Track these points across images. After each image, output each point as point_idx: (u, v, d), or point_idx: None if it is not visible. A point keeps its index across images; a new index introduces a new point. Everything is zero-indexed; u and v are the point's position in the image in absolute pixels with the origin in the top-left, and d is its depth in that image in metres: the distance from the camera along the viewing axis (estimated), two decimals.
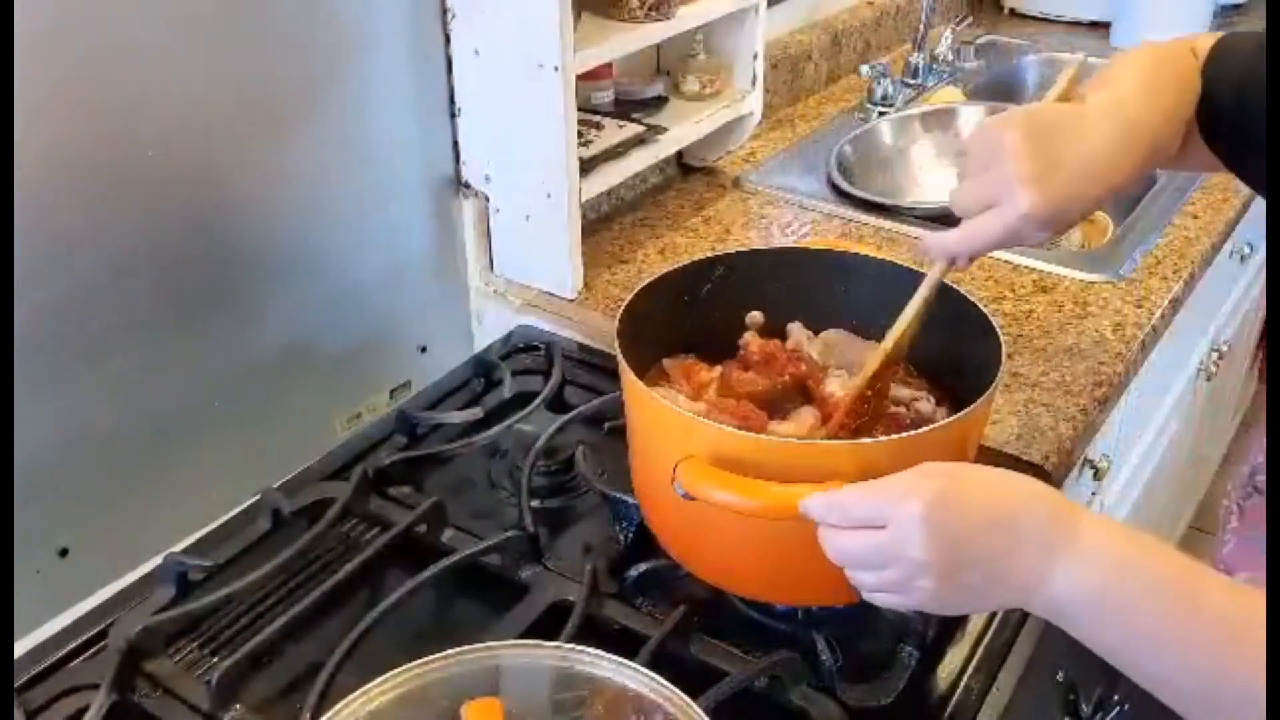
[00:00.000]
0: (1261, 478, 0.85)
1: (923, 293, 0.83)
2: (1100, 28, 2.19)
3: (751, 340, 0.95)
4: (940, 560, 0.63)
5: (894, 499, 0.65)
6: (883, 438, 0.82)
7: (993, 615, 0.86)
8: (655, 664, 0.71)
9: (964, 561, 0.64)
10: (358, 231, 1.18)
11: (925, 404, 0.87)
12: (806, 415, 0.87)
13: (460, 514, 0.97)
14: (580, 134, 1.28)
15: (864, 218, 1.46)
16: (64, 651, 0.84)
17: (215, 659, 0.84)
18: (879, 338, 0.87)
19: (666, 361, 0.95)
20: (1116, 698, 0.80)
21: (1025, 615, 0.85)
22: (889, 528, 0.65)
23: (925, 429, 0.81)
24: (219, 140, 1.01)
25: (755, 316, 0.97)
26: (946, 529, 0.63)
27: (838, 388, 0.89)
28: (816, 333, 0.97)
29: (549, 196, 1.22)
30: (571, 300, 1.28)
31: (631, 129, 1.35)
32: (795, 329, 0.97)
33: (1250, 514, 0.86)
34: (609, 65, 1.37)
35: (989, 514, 0.64)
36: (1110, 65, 0.83)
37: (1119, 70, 0.81)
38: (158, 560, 0.91)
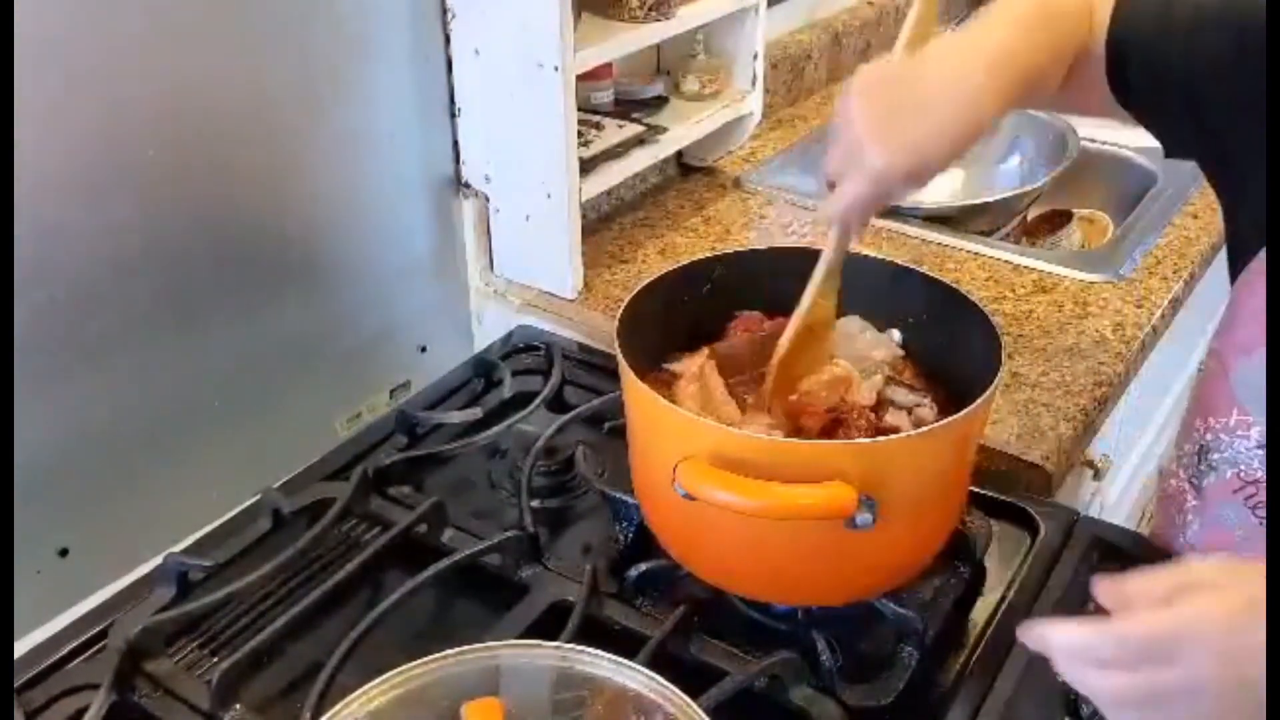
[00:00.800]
0: (1217, 455, 0.85)
1: (824, 258, 0.83)
2: None
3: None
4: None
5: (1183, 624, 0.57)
6: (882, 438, 0.82)
7: (992, 615, 0.87)
8: (655, 664, 0.71)
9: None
10: (358, 231, 1.18)
11: (926, 410, 0.87)
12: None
13: (460, 514, 0.97)
14: (580, 134, 1.28)
15: None
16: (64, 651, 0.84)
17: (215, 659, 0.84)
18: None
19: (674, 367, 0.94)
20: None
21: (1025, 615, 0.85)
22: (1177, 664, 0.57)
23: (925, 429, 0.81)
24: (219, 140, 1.01)
25: (748, 315, 0.97)
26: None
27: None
28: None
29: (549, 196, 1.22)
30: (571, 300, 1.28)
31: (631, 129, 1.35)
32: None
33: (1210, 492, 0.86)
34: (609, 65, 1.37)
35: None
36: (993, 6, 0.83)
37: (994, 10, 0.81)
38: (158, 560, 0.91)
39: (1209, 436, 0.86)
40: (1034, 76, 0.79)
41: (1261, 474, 0.83)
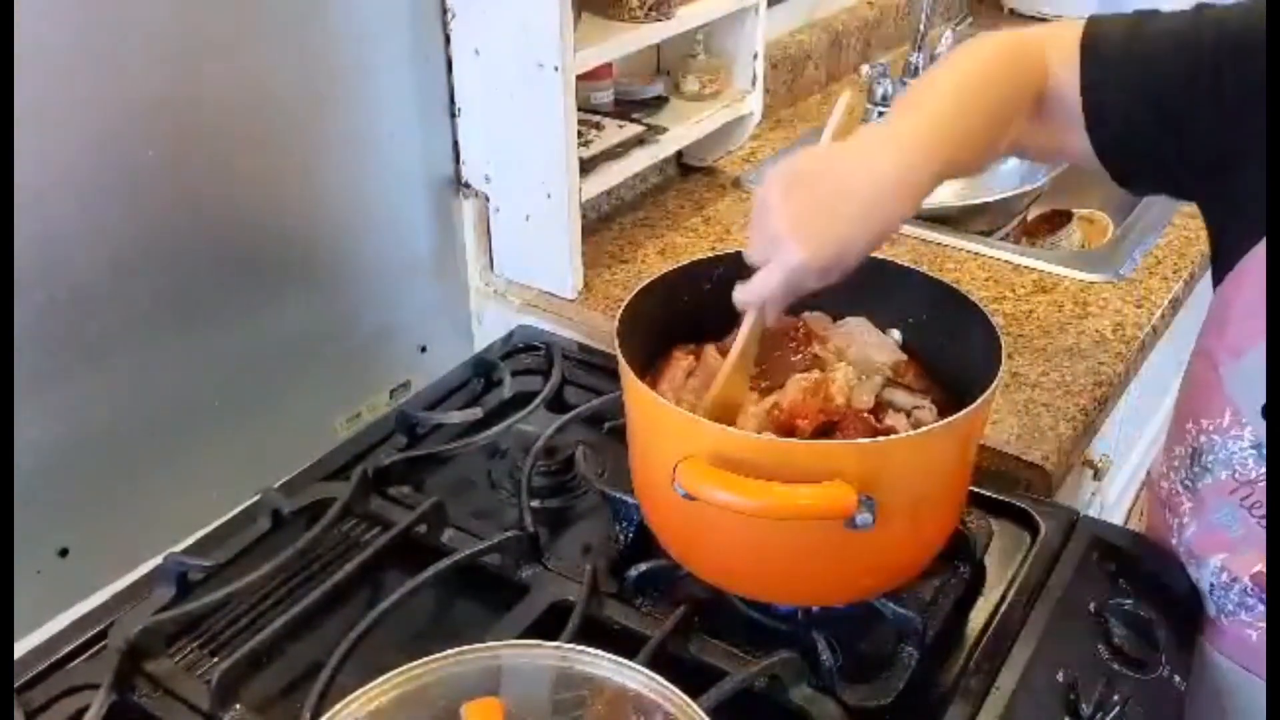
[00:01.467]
0: (1210, 457, 0.85)
1: (738, 345, 0.83)
2: None
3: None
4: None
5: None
6: (882, 438, 0.82)
7: (992, 615, 0.86)
8: (655, 664, 0.71)
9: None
10: (358, 231, 1.18)
11: (925, 412, 0.87)
12: (794, 382, 0.87)
13: (460, 514, 0.97)
14: (580, 134, 1.28)
15: None
16: (64, 651, 0.84)
17: (215, 659, 0.84)
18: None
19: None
20: (1116, 698, 0.80)
21: (1025, 615, 0.86)
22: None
23: (925, 429, 0.81)
24: (219, 141, 1.01)
25: None
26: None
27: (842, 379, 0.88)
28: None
29: (549, 196, 1.22)
30: (571, 300, 1.28)
31: (631, 129, 1.35)
32: (814, 317, 0.96)
33: (1205, 494, 0.87)
34: (609, 65, 1.37)
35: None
36: (929, 74, 0.85)
37: (936, 75, 0.83)
38: (158, 560, 0.91)
39: (1202, 439, 0.86)
40: (967, 147, 0.80)
41: (1256, 474, 0.83)
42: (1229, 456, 0.84)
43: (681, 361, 0.91)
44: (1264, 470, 0.82)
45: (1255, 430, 0.81)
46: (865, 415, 0.85)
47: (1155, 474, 0.97)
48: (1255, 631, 0.87)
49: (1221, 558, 0.87)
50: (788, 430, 0.83)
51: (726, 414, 0.84)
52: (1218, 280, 0.86)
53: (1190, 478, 0.88)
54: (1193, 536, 0.89)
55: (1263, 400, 0.80)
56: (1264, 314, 0.79)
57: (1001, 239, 1.52)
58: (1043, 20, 2.30)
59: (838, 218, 0.75)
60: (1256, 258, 0.80)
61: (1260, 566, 0.84)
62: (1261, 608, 0.86)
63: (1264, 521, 0.83)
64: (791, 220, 0.74)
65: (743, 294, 0.80)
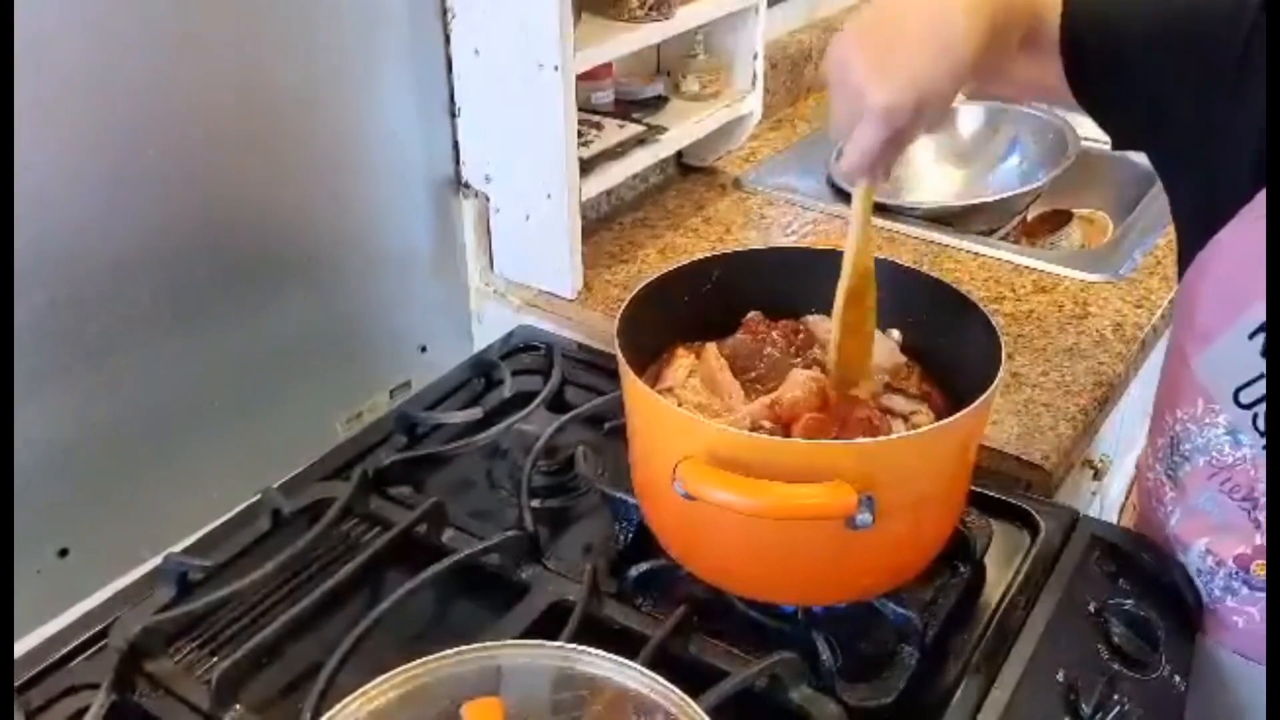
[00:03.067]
0: (1188, 445, 0.87)
1: (854, 213, 0.82)
2: None
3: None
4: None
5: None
6: (883, 438, 0.82)
7: (992, 615, 0.86)
8: (655, 664, 0.71)
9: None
10: (358, 231, 1.18)
11: (923, 416, 0.87)
12: (797, 378, 0.87)
13: (460, 514, 0.97)
14: (580, 134, 1.28)
15: None
16: (64, 651, 0.84)
17: (215, 659, 0.84)
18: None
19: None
20: (1116, 697, 0.80)
21: (1025, 615, 0.86)
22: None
23: (925, 428, 0.81)
24: (219, 140, 1.01)
25: (755, 316, 0.97)
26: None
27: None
28: None
29: (549, 196, 1.22)
30: (571, 300, 1.28)
31: (631, 129, 1.35)
32: (816, 320, 0.96)
33: (1186, 483, 0.88)
34: (609, 65, 1.37)
35: None
36: None
37: None
38: (158, 560, 0.91)
39: (1178, 428, 0.87)
40: (999, 25, 0.79)
41: (1232, 458, 0.84)
42: (1205, 443, 0.85)
43: (683, 360, 0.91)
44: (1240, 454, 0.83)
45: (1228, 415, 0.83)
46: (864, 416, 0.85)
47: (1142, 466, 0.98)
48: (1241, 617, 0.87)
49: (1205, 541, 0.88)
50: (785, 427, 0.83)
51: (862, 293, 0.84)
52: (1181, 272, 0.86)
53: (1171, 467, 0.89)
54: (1177, 524, 0.90)
55: (1232, 385, 0.81)
56: (1227, 301, 0.80)
57: (1001, 239, 1.52)
58: None
59: (914, 56, 0.74)
60: (1219, 245, 0.80)
61: (1243, 548, 0.85)
62: (1247, 591, 0.86)
63: (1244, 505, 0.84)
64: (868, 66, 0.74)
65: (845, 165, 0.79)
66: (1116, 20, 0.83)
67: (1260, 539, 0.84)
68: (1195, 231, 0.83)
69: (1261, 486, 0.82)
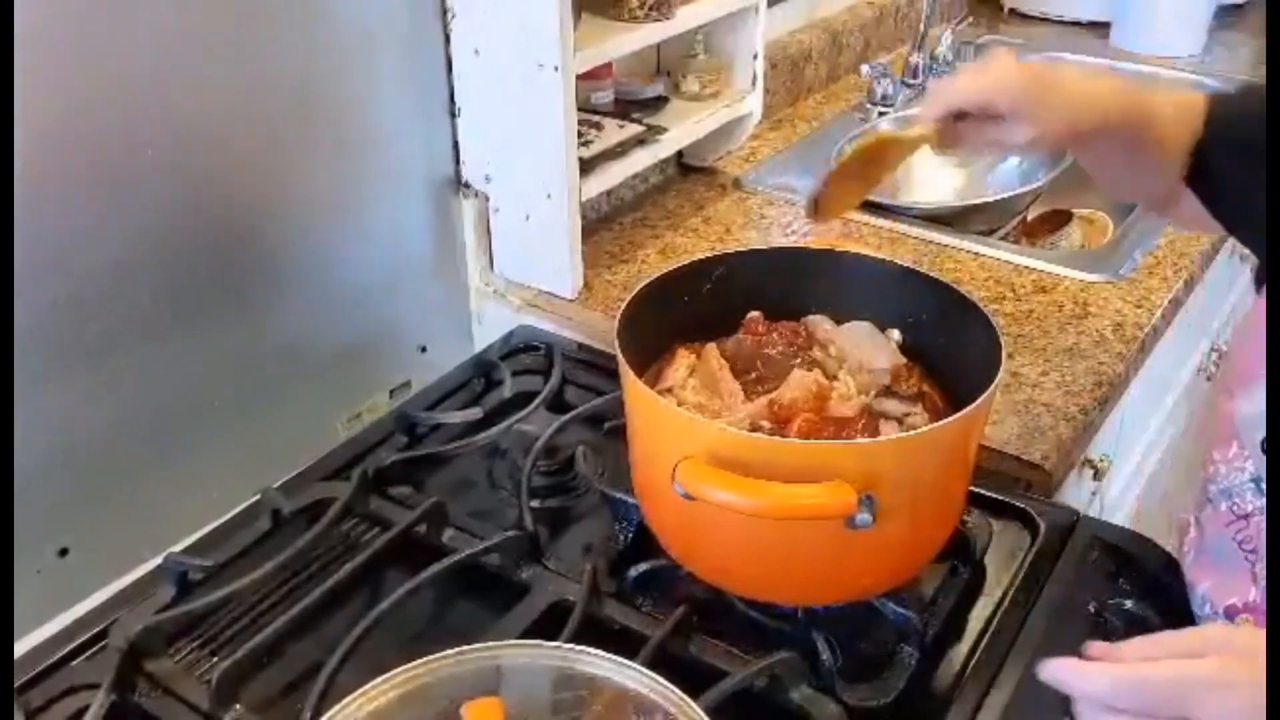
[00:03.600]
0: (1214, 487, 0.85)
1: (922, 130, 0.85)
2: (1100, 27, 2.19)
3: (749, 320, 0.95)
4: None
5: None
6: (883, 437, 0.82)
7: (992, 615, 0.86)
8: (655, 664, 0.71)
9: None
10: (358, 231, 1.18)
11: (918, 418, 0.87)
12: (797, 378, 0.87)
13: (460, 514, 0.97)
14: (580, 134, 1.28)
15: (864, 218, 1.46)
16: (64, 651, 0.84)
17: (215, 659, 0.84)
18: None
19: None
20: None
21: (1025, 615, 0.86)
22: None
23: (925, 429, 0.81)
24: (219, 140, 1.01)
25: (755, 316, 0.97)
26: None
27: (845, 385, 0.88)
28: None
29: (549, 196, 1.22)
30: (571, 300, 1.28)
31: (631, 129, 1.35)
32: (816, 320, 0.96)
33: (1206, 524, 0.86)
34: (609, 65, 1.37)
35: None
36: None
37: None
38: (158, 560, 0.91)
39: (1212, 469, 0.85)
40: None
41: (1252, 507, 0.82)
42: (1230, 488, 0.83)
43: (683, 360, 0.91)
44: (1261, 504, 0.81)
45: (1255, 464, 0.80)
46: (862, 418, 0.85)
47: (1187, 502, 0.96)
48: None
49: (1206, 586, 0.86)
50: (785, 427, 0.83)
51: (884, 159, 0.88)
52: (1258, 292, 0.84)
53: (1199, 506, 0.88)
54: (1191, 563, 0.89)
55: (1261, 435, 0.79)
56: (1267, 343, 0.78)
57: (1001, 239, 1.52)
58: (1044, 20, 2.30)
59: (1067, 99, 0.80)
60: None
61: (1234, 599, 0.83)
62: None
63: (1250, 557, 0.82)
64: (1030, 100, 0.79)
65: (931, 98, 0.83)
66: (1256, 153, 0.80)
67: (1254, 594, 0.81)
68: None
69: (1264, 537, 0.80)
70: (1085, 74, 0.83)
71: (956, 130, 0.84)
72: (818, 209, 0.89)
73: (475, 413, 1.09)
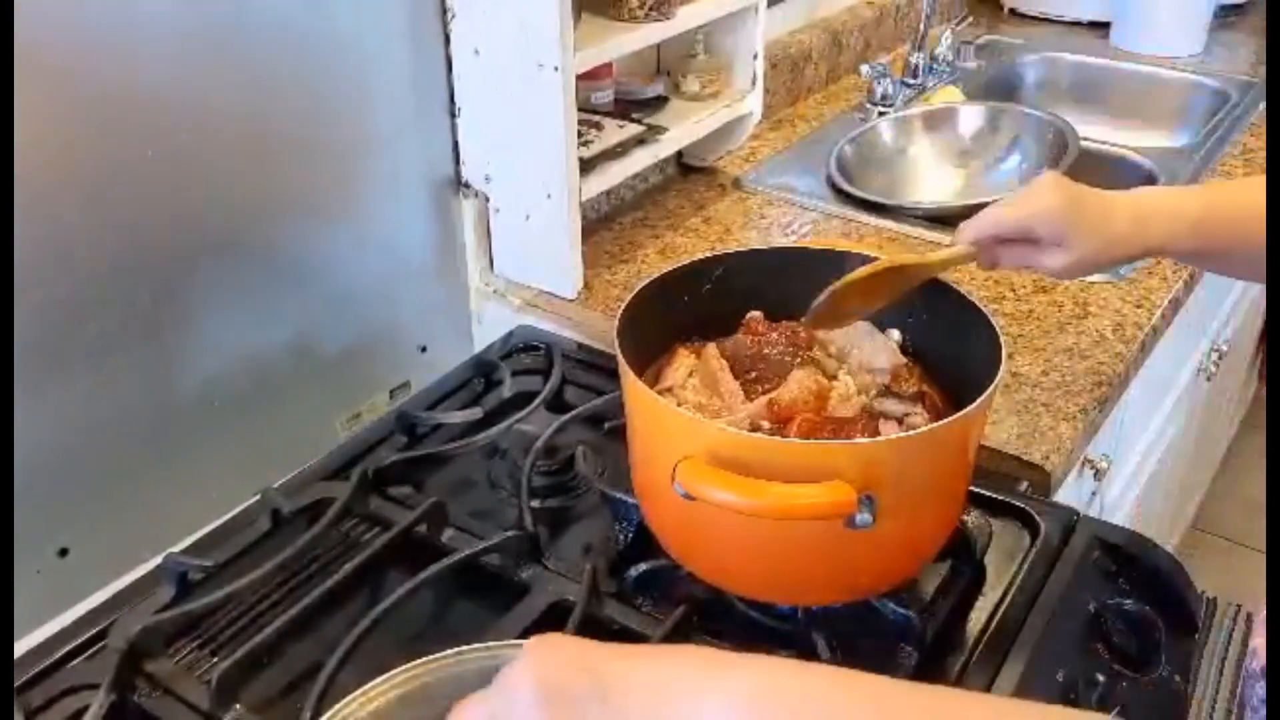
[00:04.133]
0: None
1: (953, 253, 0.92)
2: (1100, 27, 2.19)
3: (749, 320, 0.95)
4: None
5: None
6: (882, 437, 0.82)
7: (992, 615, 0.86)
8: None
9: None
10: (357, 231, 1.18)
11: (917, 418, 0.87)
12: (797, 378, 0.87)
13: (460, 514, 0.97)
14: (580, 134, 1.28)
15: (864, 218, 1.46)
16: (64, 651, 0.84)
17: (215, 659, 0.84)
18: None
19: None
20: (1116, 697, 0.80)
21: (1025, 615, 0.86)
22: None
23: (925, 428, 0.81)
24: (218, 140, 1.01)
25: (755, 316, 0.97)
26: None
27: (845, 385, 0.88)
28: None
29: (549, 196, 1.22)
30: (571, 300, 1.28)
31: (631, 129, 1.35)
32: None
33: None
34: (609, 65, 1.37)
35: None
36: None
37: None
38: (158, 560, 0.91)
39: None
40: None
41: None
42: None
43: (683, 360, 0.91)
44: None
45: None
46: (862, 418, 0.85)
47: None
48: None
49: (1256, 642, 0.82)
50: (785, 427, 0.83)
51: (889, 284, 0.91)
52: None
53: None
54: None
55: None
56: None
57: None
58: (1044, 20, 2.30)
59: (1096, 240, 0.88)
60: None
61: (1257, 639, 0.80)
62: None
63: None
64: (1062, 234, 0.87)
65: (974, 222, 0.91)
66: None
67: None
68: None
69: None
70: (1122, 202, 0.89)
71: (995, 252, 0.92)
72: (816, 320, 0.92)
73: (475, 413, 1.09)
